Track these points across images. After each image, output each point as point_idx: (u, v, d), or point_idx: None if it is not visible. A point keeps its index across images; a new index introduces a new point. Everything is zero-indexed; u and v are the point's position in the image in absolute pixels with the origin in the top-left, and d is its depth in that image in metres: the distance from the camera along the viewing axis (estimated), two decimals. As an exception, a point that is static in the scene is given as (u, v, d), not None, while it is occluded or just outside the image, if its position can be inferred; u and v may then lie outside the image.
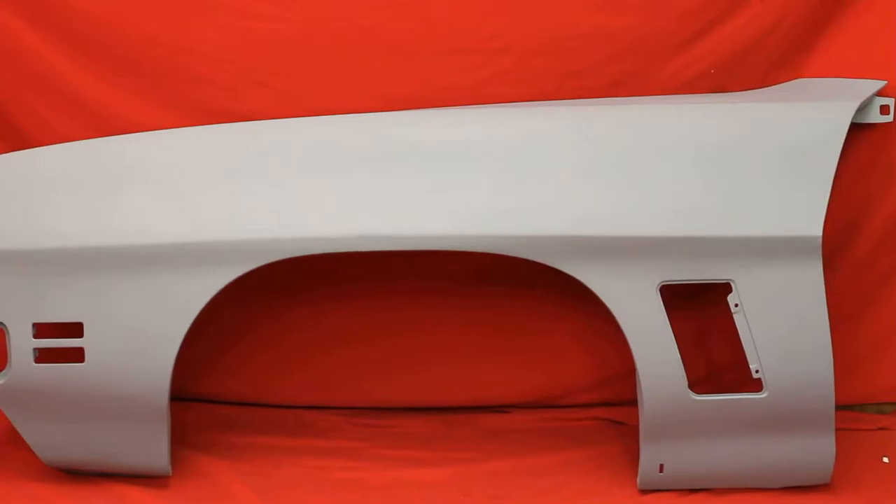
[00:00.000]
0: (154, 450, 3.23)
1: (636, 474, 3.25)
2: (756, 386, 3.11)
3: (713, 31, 3.50)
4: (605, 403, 3.72)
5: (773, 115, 3.19)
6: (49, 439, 3.23)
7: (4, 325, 3.13)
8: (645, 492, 3.25)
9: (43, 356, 3.14)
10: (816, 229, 3.05)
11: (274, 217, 3.11)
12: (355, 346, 3.75)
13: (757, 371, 3.09)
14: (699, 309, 3.52)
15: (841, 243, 3.56)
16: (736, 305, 3.08)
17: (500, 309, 3.70)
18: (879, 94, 3.40)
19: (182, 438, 3.44)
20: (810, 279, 3.07)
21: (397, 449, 3.54)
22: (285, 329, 3.75)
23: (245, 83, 3.55)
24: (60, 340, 3.14)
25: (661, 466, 3.20)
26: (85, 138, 3.32)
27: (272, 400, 3.78)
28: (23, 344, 3.12)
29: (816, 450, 3.17)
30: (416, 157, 3.16)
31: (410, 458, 3.47)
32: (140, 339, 3.12)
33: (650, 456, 3.20)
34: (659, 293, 3.07)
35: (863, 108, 3.31)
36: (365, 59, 3.54)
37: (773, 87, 3.52)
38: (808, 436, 3.14)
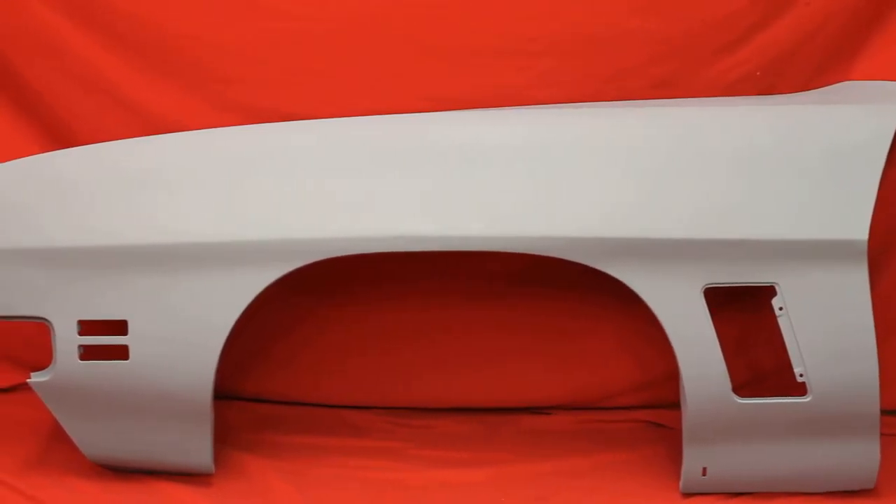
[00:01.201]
0: (197, 448, 3.24)
1: (678, 477, 3.24)
2: (800, 390, 3.09)
3: (758, 33, 3.49)
4: (647, 406, 3.71)
5: (818, 117, 3.17)
6: (93, 436, 3.25)
7: (50, 322, 3.14)
8: (688, 495, 3.23)
9: (87, 353, 3.15)
10: (862, 233, 3.03)
11: (316, 217, 3.11)
12: (396, 347, 3.75)
13: (801, 375, 3.07)
14: (742, 312, 3.50)
15: (887, 247, 3.54)
16: (780, 309, 3.06)
17: (542, 310, 3.69)
18: (926, 97, 3.37)
19: (224, 437, 3.45)
20: (856, 283, 3.05)
21: (437, 449, 3.53)
22: (327, 329, 3.76)
23: (287, 83, 3.57)
24: (105, 338, 3.14)
25: (704, 470, 3.19)
26: (129, 137, 3.33)
27: (314, 399, 3.79)
28: (68, 341, 3.14)
29: (861, 454, 3.15)
30: (457, 157, 3.15)
31: (450, 459, 3.47)
32: (184, 337, 3.13)
33: (693, 459, 3.19)
34: (703, 296, 3.06)
35: (909, 110, 3.29)
36: (404, 60, 3.55)
37: (819, 89, 3.50)
38: (852, 440, 3.13)
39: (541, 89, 3.53)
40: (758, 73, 3.50)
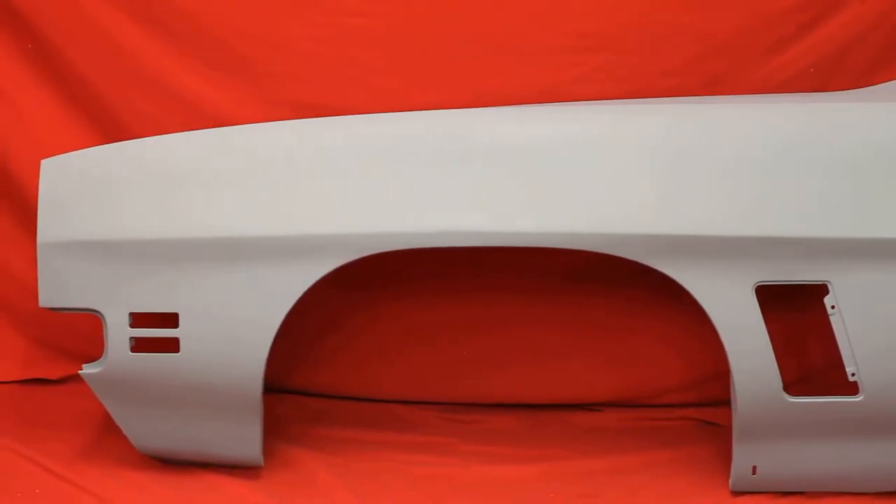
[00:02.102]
0: (247, 440, 3.26)
1: (728, 476, 3.23)
2: (852, 389, 3.07)
3: (813, 30, 3.48)
4: (697, 404, 3.70)
5: (873, 115, 3.15)
6: (143, 427, 3.27)
7: (102, 315, 3.16)
8: (737, 493, 3.22)
9: (139, 345, 3.17)
10: (915, 231, 3.02)
11: (368, 212, 3.11)
12: (445, 341, 3.76)
13: (853, 374, 3.05)
14: (794, 310, 3.48)
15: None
16: (832, 307, 3.04)
17: (592, 307, 3.69)
18: (982, 95, 3.35)
19: (274, 430, 3.45)
20: (908, 282, 3.04)
21: (487, 445, 3.53)
22: (376, 323, 3.77)
23: (340, 80, 3.58)
24: (156, 330, 3.16)
25: (754, 468, 3.18)
26: (181, 131, 3.32)
27: (363, 393, 3.80)
28: (119, 333, 3.15)
29: (913, 454, 3.15)
30: (510, 153, 3.14)
31: (500, 455, 3.47)
32: (235, 330, 3.14)
33: (743, 457, 3.17)
34: (755, 294, 3.05)
35: (965, 109, 3.26)
36: (458, 57, 3.56)
37: (874, 86, 3.48)
38: (904, 440, 3.12)
39: (592, 85, 3.54)
40: (811, 71, 3.49)
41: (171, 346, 3.15)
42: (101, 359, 3.19)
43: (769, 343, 3.06)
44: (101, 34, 3.60)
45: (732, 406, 3.18)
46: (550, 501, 3.25)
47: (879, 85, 3.49)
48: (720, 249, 3.03)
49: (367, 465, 3.40)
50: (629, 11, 3.52)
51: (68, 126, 3.68)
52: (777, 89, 3.53)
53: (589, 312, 3.70)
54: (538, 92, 3.53)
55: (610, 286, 3.63)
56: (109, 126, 3.65)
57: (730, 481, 3.22)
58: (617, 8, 3.52)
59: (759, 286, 3.05)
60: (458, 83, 3.56)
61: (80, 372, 3.21)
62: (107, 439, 3.44)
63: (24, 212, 3.66)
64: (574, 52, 3.54)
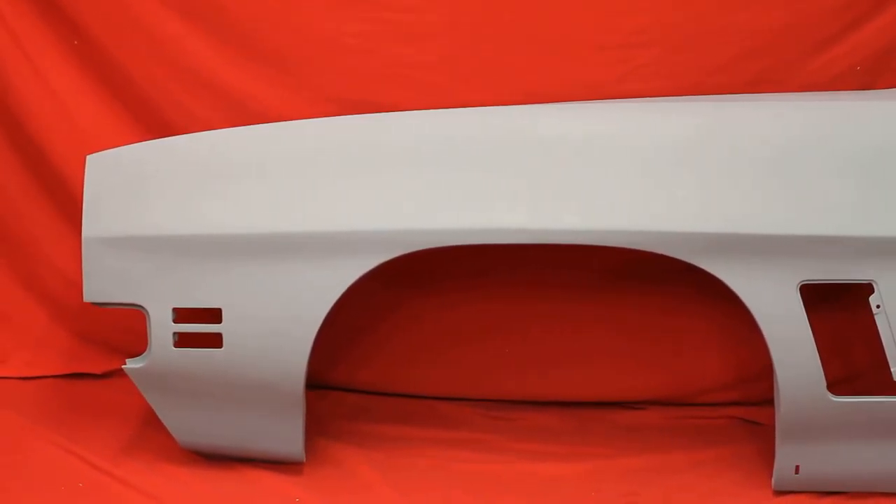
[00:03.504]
0: (289, 436, 3.26)
1: (770, 475, 3.22)
2: (896, 389, 3.06)
3: (860, 28, 3.46)
4: (740, 403, 3.69)
5: (920, 113, 3.14)
6: (186, 422, 3.28)
7: (145, 310, 3.17)
8: (780, 493, 3.21)
9: (182, 341, 3.18)
10: (963, 230, 3.00)
11: (411, 208, 3.11)
12: (488, 339, 3.76)
13: (898, 374, 3.05)
14: (839, 309, 3.47)
15: None
16: (878, 307, 3.02)
17: (636, 305, 3.68)
18: None
19: (316, 426, 3.47)
20: (955, 281, 3.02)
21: (529, 443, 3.53)
22: (419, 319, 3.77)
23: (386, 75, 3.58)
24: (199, 326, 3.17)
25: (797, 468, 3.16)
26: (225, 127, 3.34)
27: (405, 390, 3.80)
28: (163, 328, 3.17)
29: (958, 455, 3.12)
30: (553, 150, 3.14)
31: (542, 453, 3.47)
32: (278, 326, 3.15)
33: (786, 457, 3.16)
34: (799, 292, 3.03)
35: None
36: (506, 53, 3.55)
37: (922, 84, 3.47)
38: (950, 440, 3.10)
39: (639, 83, 3.53)
40: (858, 69, 3.46)
41: (215, 341, 3.17)
42: (145, 354, 3.21)
43: (813, 342, 3.04)
44: (145, 30, 3.61)
45: (776, 405, 3.16)
46: (593, 500, 3.25)
47: (927, 82, 3.47)
48: (764, 248, 3.02)
49: (409, 461, 3.41)
50: (677, 9, 3.50)
51: (113, 122, 3.69)
52: (824, 87, 3.50)
53: (630, 310, 3.69)
54: (585, 89, 3.52)
55: (651, 284, 3.63)
56: (153, 122, 3.66)
57: (772, 480, 3.21)
58: (665, 5, 3.51)
59: (803, 285, 3.03)
60: (504, 80, 3.56)
61: (123, 367, 3.23)
62: (149, 434, 3.45)
63: (69, 207, 3.68)
64: (621, 49, 3.53)
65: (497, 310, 3.74)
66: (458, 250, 3.13)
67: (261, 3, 3.59)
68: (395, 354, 3.79)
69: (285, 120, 3.40)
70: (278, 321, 3.15)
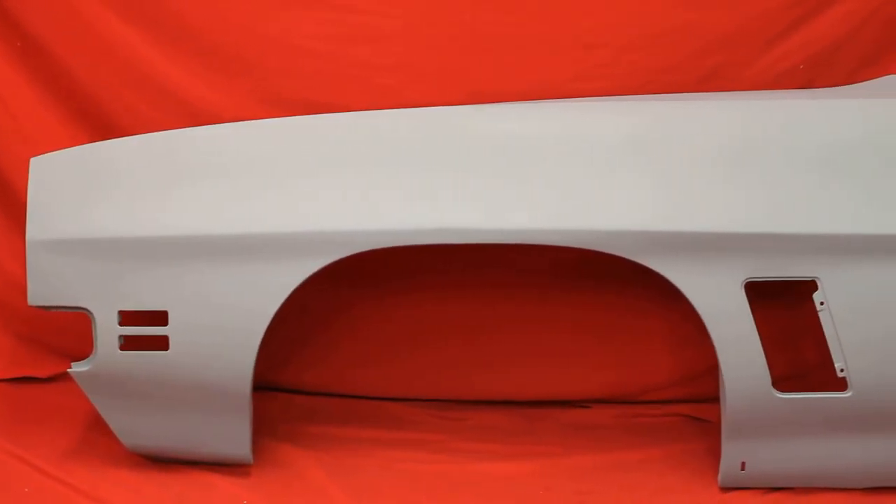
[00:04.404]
0: (236, 438, 3.25)
1: (717, 472, 3.23)
2: (841, 385, 3.07)
3: (803, 27, 3.48)
4: (686, 400, 3.71)
5: (862, 111, 3.15)
6: (132, 426, 3.26)
7: (90, 313, 3.16)
8: (726, 489, 3.22)
9: (128, 343, 3.17)
10: (906, 227, 3.02)
11: (358, 208, 3.11)
12: (438, 339, 3.76)
13: (842, 370, 3.05)
14: (784, 306, 3.49)
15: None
16: (822, 303, 3.04)
17: (583, 304, 3.70)
18: (972, 90, 3.35)
19: (263, 428, 3.46)
20: (897, 278, 3.04)
21: (479, 442, 3.53)
22: (368, 321, 3.77)
23: (338, 77, 3.58)
24: (145, 328, 3.16)
25: (743, 464, 3.18)
26: (172, 129, 3.32)
27: (353, 391, 3.80)
28: (108, 331, 3.15)
29: (902, 450, 3.15)
30: (501, 150, 3.14)
31: (492, 452, 3.47)
32: (224, 328, 3.14)
33: (732, 453, 3.18)
34: (744, 290, 3.05)
35: (954, 105, 3.26)
36: (460, 54, 3.56)
37: (863, 83, 3.48)
38: (893, 435, 3.11)
39: (591, 83, 3.54)
40: (801, 67, 3.49)
41: (161, 343, 3.15)
42: (91, 357, 3.19)
43: (758, 339, 3.06)
44: (91, 32, 3.59)
45: (721, 402, 3.19)
46: (543, 498, 3.25)
47: (870, 81, 3.49)
48: (709, 246, 3.03)
49: (358, 462, 3.40)
50: (627, 10, 3.53)
51: (59, 124, 3.67)
52: (770, 85, 3.53)
53: (578, 310, 3.71)
54: (537, 89, 3.54)
55: (600, 283, 3.64)
56: (100, 124, 3.65)
57: (719, 477, 3.22)
58: (615, 6, 3.53)
59: (748, 282, 3.05)
60: (458, 81, 3.56)
61: (69, 370, 3.21)
62: (96, 437, 3.44)
63: (14, 210, 3.66)
64: (573, 50, 3.54)
65: (446, 310, 3.74)
66: (408, 251, 3.13)
67: (213, 4, 3.58)
68: (345, 356, 3.79)
69: (235, 121, 3.39)
70: (225, 323, 3.14)
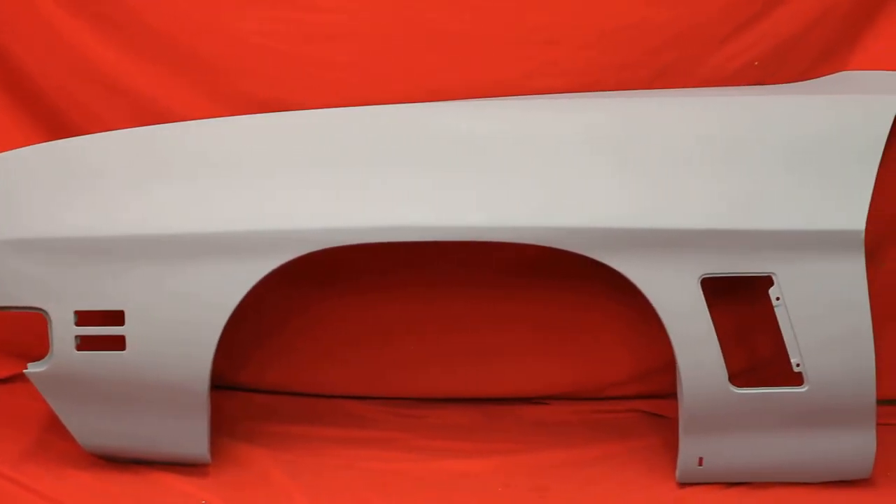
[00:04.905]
0: (194, 438, 3.25)
1: (675, 467, 3.24)
2: (797, 380, 3.09)
3: (757, 23, 3.48)
4: (644, 396, 3.72)
5: (816, 107, 3.17)
6: (89, 426, 3.25)
7: (46, 313, 3.14)
8: (684, 485, 3.24)
9: (84, 344, 3.16)
10: (859, 223, 3.03)
11: (316, 207, 3.11)
12: (396, 337, 3.76)
13: (798, 365, 3.07)
14: (740, 302, 3.50)
15: (886, 238, 3.54)
16: (777, 299, 3.06)
17: (540, 301, 3.70)
18: (925, 87, 3.36)
19: (222, 427, 3.45)
20: (852, 273, 3.05)
21: (438, 440, 3.54)
22: (326, 319, 3.76)
23: (291, 74, 3.56)
24: (102, 328, 3.15)
25: (701, 460, 3.19)
26: (126, 128, 3.31)
27: (312, 390, 3.80)
28: (64, 331, 3.14)
29: (857, 444, 3.16)
30: (457, 148, 3.15)
31: (451, 449, 3.48)
32: (181, 327, 3.13)
33: (689, 449, 3.19)
34: (700, 286, 3.06)
35: (907, 101, 3.27)
36: (413, 52, 3.54)
37: (817, 79, 3.49)
38: (848, 430, 3.13)
39: (542, 80, 3.53)
40: (756, 63, 3.50)
41: (117, 344, 3.14)
42: (46, 357, 3.18)
43: (714, 335, 3.08)
44: (45, 29, 3.55)
45: (679, 398, 3.20)
46: (502, 495, 3.26)
47: (824, 77, 3.50)
48: (665, 242, 3.05)
49: (317, 461, 3.40)
50: (582, 6, 3.51)
51: (12, 123, 3.63)
52: (725, 82, 3.53)
53: (537, 307, 3.71)
54: (492, 87, 3.52)
55: (558, 280, 3.64)
56: (55, 124, 3.62)
57: (676, 473, 3.24)
58: (570, 3, 3.51)
59: (704, 278, 3.06)
60: (411, 78, 3.54)
61: (24, 371, 3.19)
62: (52, 438, 3.42)
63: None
64: (527, 46, 3.53)
65: (405, 308, 3.74)
66: (365, 249, 3.13)
67: (167, 1, 3.56)
68: (303, 354, 3.78)
69: (190, 120, 3.38)
70: (181, 322, 3.13)
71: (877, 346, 3.08)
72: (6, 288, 3.15)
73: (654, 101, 3.31)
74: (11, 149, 3.24)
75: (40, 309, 3.15)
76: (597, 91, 3.52)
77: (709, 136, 3.12)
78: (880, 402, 3.17)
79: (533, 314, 3.72)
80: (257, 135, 3.22)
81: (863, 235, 3.03)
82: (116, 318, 3.14)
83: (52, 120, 3.62)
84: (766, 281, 3.07)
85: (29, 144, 3.35)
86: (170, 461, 3.29)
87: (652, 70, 3.53)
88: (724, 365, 3.08)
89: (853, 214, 3.03)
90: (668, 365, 3.33)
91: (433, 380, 3.77)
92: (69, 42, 3.56)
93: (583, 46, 3.52)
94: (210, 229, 3.10)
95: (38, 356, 3.22)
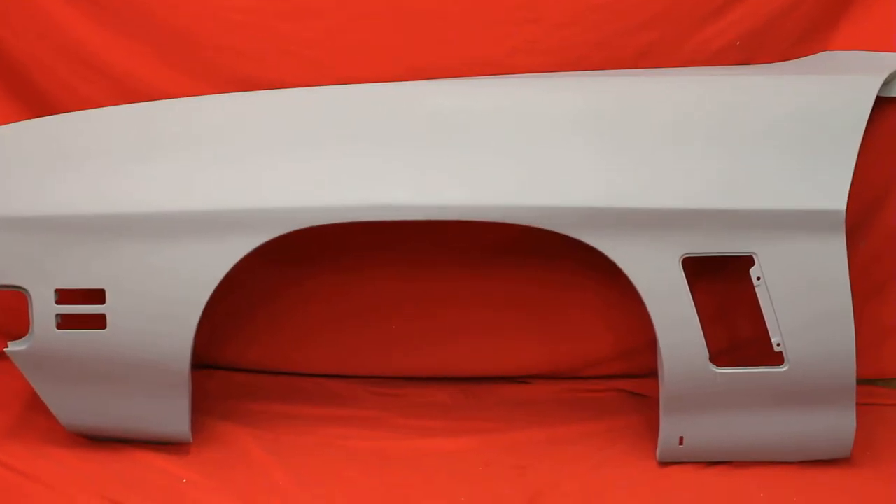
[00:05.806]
0: (175, 417, 3.24)
1: (656, 446, 3.25)
2: (777, 359, 3.10)
3: (739, 3, 3.48)
4: (626, 375, 3.72)
5: (797, 87, 3.18)
6: (70, 405, 3.24)
7: (27, 291, 3.13)
8: (664, 464, 3.25)
9: (65, 322, 3.15)
10: (840, 203, 3.03)
11: (296, 185, 3.10)
12: (377, 316, 3.75)
13: (778, 344, 3.08)
14: (722, 282, 3.51)
15: (866, 217, 3.55)
16: (758, 279, 3.07)
17: (522, 280, 3.70)
18: (906, 67, 3.37)
19: (203, 406, 3.45)
20: (833, 253, 3.05)
21: (418, 419, 3.54)
22: (307, 298, 3.76)
23: (272, 52, 3.54)
24: (82, 307, 3.14)
25: (681, 439, 3.20)
26: (108, 105, 3.32)
27: (293, 368, 3.79)
28: (45, 310, 3.13)
29: (837, 424, 3.16)
30: (438, 126, 3.15)
31: (432, 428, 3.48)
32: (162, 306, 3.12)
33: (670, 428, 3.20)
34: (681, 265, 3.06)
35: (889, 81, 3.26)
36: (392, 29, 3.53)
37: (799, 59, 3.49)
38: (828, 410, 3.14)
39: (524, 58, 3.52)
40: (737, 43, 3.50)
41: (98, 322, 3.13)
42: (27, 336, 3.16)
43: (696, 314, 3.08)
44: (26, 7, 3.54)
45: (659, 377, 3.19)
46: (483, 473, 3.27)
47: (805, 58, 3.50)
48: (646, 221, 3.05)
49: (298, 439, 3.40)
50: (561, -16, 3.51)
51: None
52: (706, 62, 3.53)
53: (519, 286, 3.71)
54: (472, 65, 3.51)
55: (539, 259, 3.64)
56: (35, 101, 3.59)
57: (657, 452, 3.25)
58: (548, -19, 3.51)
59: (685, 258, 3.06)
60: (390, 56, 3.53)
61: (5, 349, 3.18)
62: (34, 417, 3.41)
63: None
64: (507, 24, 3.52)
65: (385, 287, 3.73)
66: (345, 228, 3.13)
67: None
68: (284, 333, 3.77)
69: (169, 98, 3.37)
70: (162, 301, 3.12)
71: (857, 326, 3.09)
72: (-14, 266, 3.15)
73: (636, 80, 3.32)
74: (-9, 127, 3.23)
75: (20, 287, 3.13)
76: (578, 70, 3.51)
77: (690, 116, 3.13)
78: (860, 381, 3.18)
79: (514, 293, 3.71)
80: (239, 113, 3.22)
81: (844, 215, 3.03)
82: (97, 296, 3.12)
83: (33, 99, 3.59)
84: (747, 261, 3.08)
85: (7, 123, 3.33)
86: (151, 440, 3.29)
87: (633, 50, 3.53)
88: (705, 344, 3.09)
89: (834, 194, 3.04)
90: (649, 344, 3.34)
91: (414, 359, 3.77)
92: (49, 19, 3.53)
93: (564, 24, 3.51)
94: (190, 208, 3.09)
95: (18, 334, 3.21)
